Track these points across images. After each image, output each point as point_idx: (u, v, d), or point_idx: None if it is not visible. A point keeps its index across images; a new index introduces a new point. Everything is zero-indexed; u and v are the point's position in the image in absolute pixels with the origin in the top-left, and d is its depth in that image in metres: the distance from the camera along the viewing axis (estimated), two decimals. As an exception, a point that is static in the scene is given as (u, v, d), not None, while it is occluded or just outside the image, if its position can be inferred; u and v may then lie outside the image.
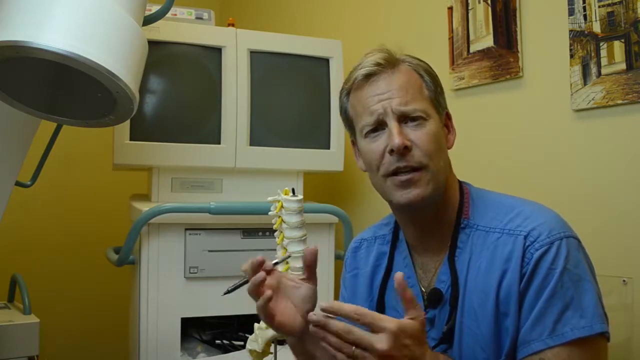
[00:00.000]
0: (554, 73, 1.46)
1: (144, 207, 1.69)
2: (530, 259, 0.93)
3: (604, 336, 0.91)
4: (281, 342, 1.03)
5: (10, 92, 1.22)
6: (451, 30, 1.74)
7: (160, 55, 1.76)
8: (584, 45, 1.37)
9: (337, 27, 2.31)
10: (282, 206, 1.01)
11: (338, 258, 1.89)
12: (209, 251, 1.76)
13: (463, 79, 1.70)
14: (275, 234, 1.03)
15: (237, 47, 1.84)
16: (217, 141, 1.82)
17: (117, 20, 1.16)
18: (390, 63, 1.02)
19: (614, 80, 1.31)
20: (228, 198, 1.85)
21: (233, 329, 1.91)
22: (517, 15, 1.54)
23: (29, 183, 1.70)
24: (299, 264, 0.98)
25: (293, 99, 1.94)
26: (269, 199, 1.03)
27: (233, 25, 1.92)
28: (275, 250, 1.04)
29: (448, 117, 1.08)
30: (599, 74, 1.34)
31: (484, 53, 1.63)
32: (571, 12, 1.40)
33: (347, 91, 1.07)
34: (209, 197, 1.80)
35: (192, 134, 1.81)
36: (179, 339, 1.75)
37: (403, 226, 1.10)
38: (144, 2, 1.31)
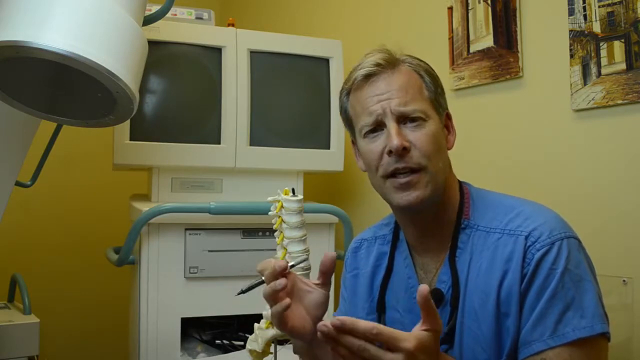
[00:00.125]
0: (554, 73, 1.46)
1: (144, 207, 1.69)
2: (532, 259, 0.93)
3: (605, 336, 0.91)
4: (281, 342, 1.03)
5: (10, 92, 1.22)
6: (451, 30, 1.74)
7: (160, 55, 1.76)
8: (584, 45, 1.37)
9: (337, 27, 2.31)
10: (282, 206, 1.01)
11: (338, 258, 1.88)
12: (209, 251, 1.76)
13: (463, 79, 1.70)
14: (275, 234, 1.03)
15: (237, 47, 1.84)
16: (217, 141, 1.82)
17: (117, 20, 1.16)
18: (390, 63, 1.02)
19: (614, 80, 1.31)
20: (228, 198, 1.85)
21: (233, 329, 1.91)
22: (517, 15, 1.54)
23: (29, 183, 1.70)
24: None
25: (293, 99, 1.94)
26: (269, 199, 1.03)
27: (233, 25, 1.92)
28: (275, 250, 1.04)
29: (448, 117, 1.08)
30: (599, 74, 1.34)
31: (484, 53, 1.63)
32: (571, 12, 1.40)
33: (347, 91, 1.07)
34: (209, 197, 1.80)
35: (192, 134, 1.81)
36: (179, 339, 1.75)
37: (403, 226, 1.10)
38: (144, 2, 1.31)
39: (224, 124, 1.82)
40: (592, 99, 1.36)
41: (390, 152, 0.97)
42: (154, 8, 1.56)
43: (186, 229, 1.74)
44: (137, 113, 1.27)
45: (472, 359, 0.96)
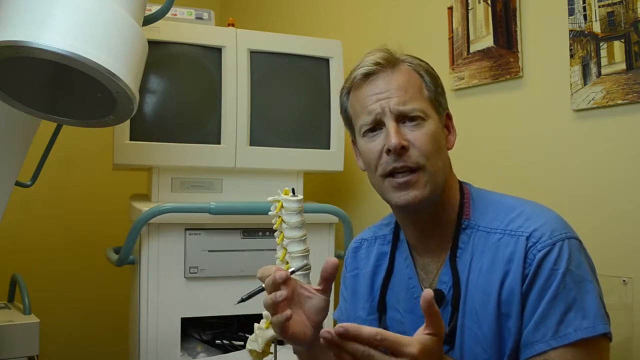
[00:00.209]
0: (554, 73, 1.46)
1: (144, 207, 1.69)
2: (533, 260, 0.93)
3: (607, 337, 0.91)
4: (281, 342, 1.03)
5: (10, 92, 1.22)
6: (451, 30, 1.74)
7: (160, 55, 1.76)
8: (584, 45, 1.37)
9: (337, 27, 2.31)
10: (282, 206, 1.01)
11: (338, 258, 1.88)
12: (209, 251, 1.76)
13: (463, 79, 1.70)
14: (275, 234, 1.03)
15: (237, 47, 1.84)
16: (217, 141, 1.82)
17: (117, 20, 1.16)
18: (389, 63, 1.02)
19: (614, 80, 1.31)
20: (228, 198, 1.85)
21: (233, 329, 1.91)
22: (517, 15, 1.54)
23: (29, 183, 1.70)
24: (299, 263, 0.98)
25: (293, 99, 1.94)
26: (269, 199, 1.03)
27: (233, 25, 1.92)
28: (275, 250, 1.04)
29: (449, 117, 1.07)
30: (599, 74, 1.34)
31: (484, 53, 1.63)
32: (571, 12, 1.40)
33: (347, 90, 1.07)
34: (209, 197, 1.80)
35: (192, 134, 1.81)
36: (179, 339, 1.75)
37: (403, 226, 1.10)
38: (144, 2, 1.31)
39: (224, 124, 1.82)
40: (592, 99, 1.36)
41: (388, 151, 0.97)
42: (154, 8, 1.56)
43: (186, 229, 1.74)
44: (137, 113, 1.27)
45: None
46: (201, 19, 1.96)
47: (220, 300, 1.76)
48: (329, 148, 1.94)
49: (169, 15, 1.60)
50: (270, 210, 1.03)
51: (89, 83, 1.14)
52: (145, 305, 1.70)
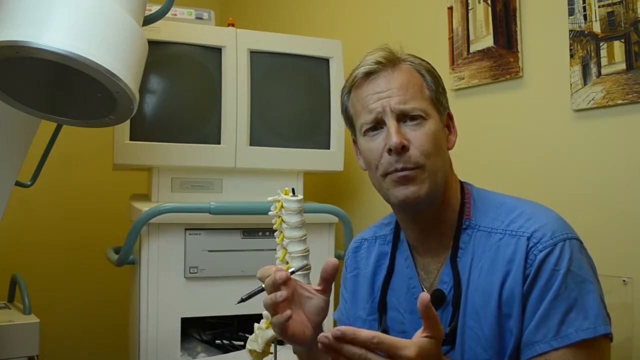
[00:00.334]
0: (554, 73, 1.46)
1: (144, 207, 1.69)
2: (534, 260, 0.93)
3: (608, 337, 0.91)
4: (281, 342, 1.03)
5: (10, 92, 1.22)
6: (451, 30, 1.74)
7: (160, 55, 1.76)
8: (584, 45, 1.37)
9: (337, 27, 2.31)
10: (282, 206, 1.01)
11: (338, 258, 1.89)
12: (209, 251, 1.76)
13: (463, 79, 1.70)
14: (275, 234, 1.03)
15: (237, 47, 1.84)
16: (217, 141, 1.82)
17: (117, 20, 1.16)
18: (391, 62, 1.02)
19: (614, 80, 1.31)
20: (228, 198, 1.85)
21: (233, 329, 1.91)
22: (517, 15, 1.54)
23: (29, 183, 1.70)
24: (299, 263, 0.98)
25: (293, 99, 1.94)
26: (269, 199, 1.03)
27: (233, 25, 1.92)
28: (275, 250, 1.04)
29: (450, 117, 1.07)
30: (599, 74, 1.34)
31: (484, 53, 1.63)
32: (571, 12, 1.40)
33: (348, 89, 1.07)
34: (209, 197, 1.80)
35: (192, 134, 1.81)
36: (179, 339, 1.75)
37: (404, 226, 1.10)
38: (144, 2, 1.31)
39: (224, 124, 1.82)
40: (592, 99, 1.36)
41: (389, 151, 0.97)
42: (154, 8, 1.56)
43: (186, 229, 1.74)
44: (137, 113, 1.27)
45: (473, 360, 0.96)
46: (201, 19, 1.96)
47: (220, 300, 1.76)
48: (329, 148, 1.94)
49: (169, 15, 1.60)
50: (270, 210, 1.03)
51: (89, 83, 1.14)
52: (145, 305, 1.70)
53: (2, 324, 1.61)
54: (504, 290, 0.94)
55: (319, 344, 0.77)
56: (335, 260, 0.92)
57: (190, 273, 1.74)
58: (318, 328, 0.94)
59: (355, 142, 1.10)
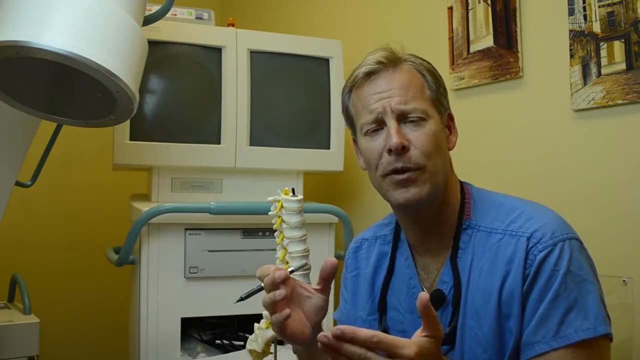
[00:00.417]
0: (554, 73, 1.46)
1: (144, 207, 1.69)
2: (534, 260, 0.92)
3: (608, 337, 0.91)
4: (281, 342, 1.03)
5: (10, 92, 1.22)
6: (451, 30, 1.74)
7: (160, 55, 1.76)
8: (584, 45, 1.37)
9: (337, 27, 2.31)
10: (282, 206, 1.01)
11: (338, 258, 1.88)
12: (209, 251, 1.76)
13: (463, 79, 1.70)
14: (275, 234, 1.03)
15: (237, 47, 1.84)
16: (217, 141, 1.82)
17: (117, 20, 1.16)
18: (392, 62, 1.02)
19: (614, 80, 1.31)
20: (228, 198, 1.85)
21: (233, 329, 1.91)
22: (517, 15, 1.54)
23: (29, 183, 1.70)
24: (299, 263, 0.99)
25: (293, 99, 1.94)
26: (269, 199, 1.03)
27: (233, 25, 1.92)
28: (275, 250, 1.04)
29: (450, 118, 1.07)
30: (599, 74, 1.34)
31: (484, 53, 1.63)
32: (571, 12, 1.40)
33: (349, 89, 1.07)
34: (209, 197, 1.80)
35: (192, 134, 1.81)
36: (179, 339, 1.75)
37: (404, 227, 1.10)
38: (144, 2, 1.31)
39: (224, 124, 1.82)
40: (592, 99, 1.36)
41: (390, 151, 0.97)
42: (154, 8, 1.56)
43: (186, 229, 1.74)
44: (137, 113, 1.27)
45: (473, 360, 0.96)
46: (201, 19, 1.96)
47: (220, 300, 1.76)
48: (329, 148, 1.94)
49: (169, 15, 1.60)
50: (270, 210, 1.03)
51: (89, 83, 1.14)
52: (145, 305, 1.70)
53: (2, 324, 1.61)
54: (504, 290, 0.94)
55: (319, 343, 0.77)
56: (334, 260, 0.92)
57: (190, 273, 1.74)
58: (317, 327, 0.94)
59: (355, 141, 1.10)
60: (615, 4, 1.31)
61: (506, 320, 0.94)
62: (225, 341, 1.87)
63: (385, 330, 1.07)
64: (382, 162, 0.99)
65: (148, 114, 1.78)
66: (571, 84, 1.40)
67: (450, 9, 1.74)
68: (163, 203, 1.71)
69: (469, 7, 1.67)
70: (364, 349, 0.76)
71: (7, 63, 1.11)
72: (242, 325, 1.90)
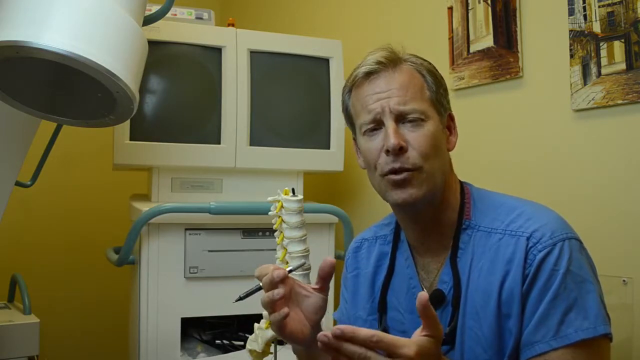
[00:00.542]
0: (554, 73, 1.46)
1: (144, 207, 1.69)
2: (533, 260, 0.92)
3: (607, 337, 0.91)
4: (281, 342, 1.03)
5: (10, 92, 1.22)
6: (451, 30, 1.74)
7: (160, 55, 1.76)
8: (584, 45, 1.37)
9: (337, 27, 2.31)
10: (282, 206, 1.01)
11: (338, 258, 1.89)
12: (209, 251, 1.76)
13: (463, 79, 1.70)
14: (275, 234, 1.03)
15: (237, 47, 1.84)
16: (217, 141, 1.82)
17: (117, 20, 1.16)
18: (391, 62, 1.02)
19: (614, 80, 1.31)
20: (228, 198, 1.85)
21: (233, 329, 1.91)
22: (517, 15, 1.54)
23: (29, 183, 1.70)
24: (298, 263, 0.99)
25: (293, 99, 1.94)
26: (269, 199, 1.03)
27: (233, 25, 1.92)
28: (275, 250, 1.04)
29: (451, 118, 1.07)
30: (599, 74, 1.34)
31: (484, 53, 1.63)
32: (571, 12, 1.40)
33: (349, 88, 1.07)
34: (209, 197, 1.80)
35: (192, 134, 1.81)
36: (179, 339, 1.75)
37: (404, 226, 1.10)
38: (144, 2, 1.31)
39: (224, 124, 1.82)
40: (592, 99, 1.36)
41: (387, 151, 0.97)
42: (154, 8, 1.56)
43: (186, 229, 1.74)
44: (137, 113, 1.27)
45: (473, 360, 0.96)
46: (201, 19, 1.96)
47: (220, 300, 1.76)
48: (329, 148, 1.94)
49: (169, 15, 1.60)
50: (270, 210, 1.03)
51: (89, 83, 1.14)
52: (145, 305, 1.70)
53: (2, 324, 1.61)
54: (504, 290, 0.94)
55: (319, 343, 0.77)
56: (332, 259, 0.92)
57: (190, 273, 1.74)
58: (316, 327, 0.94)
59: (355, 141, 1.10)
60: (615, 4, 1.31)
61: (506, 320, 0.94)
62: (225, 341, 1.87)
63: (385, 330, 1.07)
64: (380, 162, 0.99)
65: (148, 114, 1.78)
66: (571, 84, 1.40)
67: (450, 9, 1.74)
68: (163, 203, 1.71)
69: (469, 7, 1.67)
70: (364, 348, 0.76)
71: (7, 63, 1.11)
72: (242, 325, 1.90)
